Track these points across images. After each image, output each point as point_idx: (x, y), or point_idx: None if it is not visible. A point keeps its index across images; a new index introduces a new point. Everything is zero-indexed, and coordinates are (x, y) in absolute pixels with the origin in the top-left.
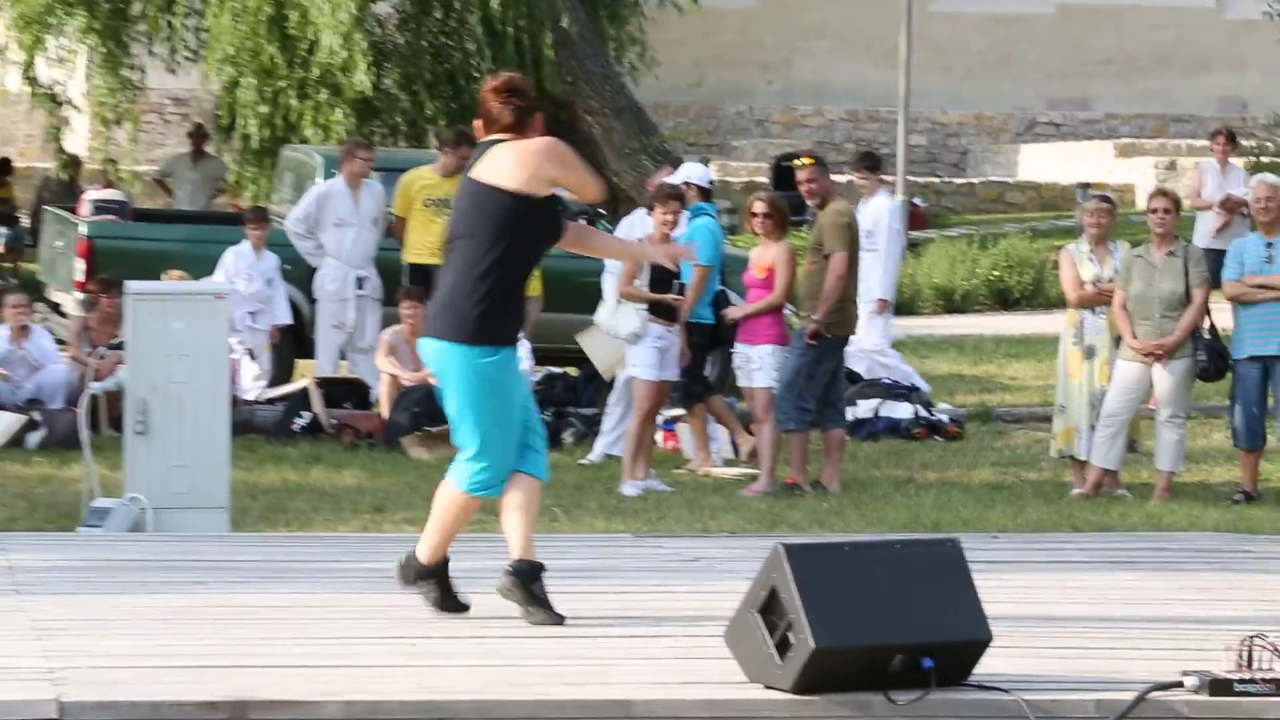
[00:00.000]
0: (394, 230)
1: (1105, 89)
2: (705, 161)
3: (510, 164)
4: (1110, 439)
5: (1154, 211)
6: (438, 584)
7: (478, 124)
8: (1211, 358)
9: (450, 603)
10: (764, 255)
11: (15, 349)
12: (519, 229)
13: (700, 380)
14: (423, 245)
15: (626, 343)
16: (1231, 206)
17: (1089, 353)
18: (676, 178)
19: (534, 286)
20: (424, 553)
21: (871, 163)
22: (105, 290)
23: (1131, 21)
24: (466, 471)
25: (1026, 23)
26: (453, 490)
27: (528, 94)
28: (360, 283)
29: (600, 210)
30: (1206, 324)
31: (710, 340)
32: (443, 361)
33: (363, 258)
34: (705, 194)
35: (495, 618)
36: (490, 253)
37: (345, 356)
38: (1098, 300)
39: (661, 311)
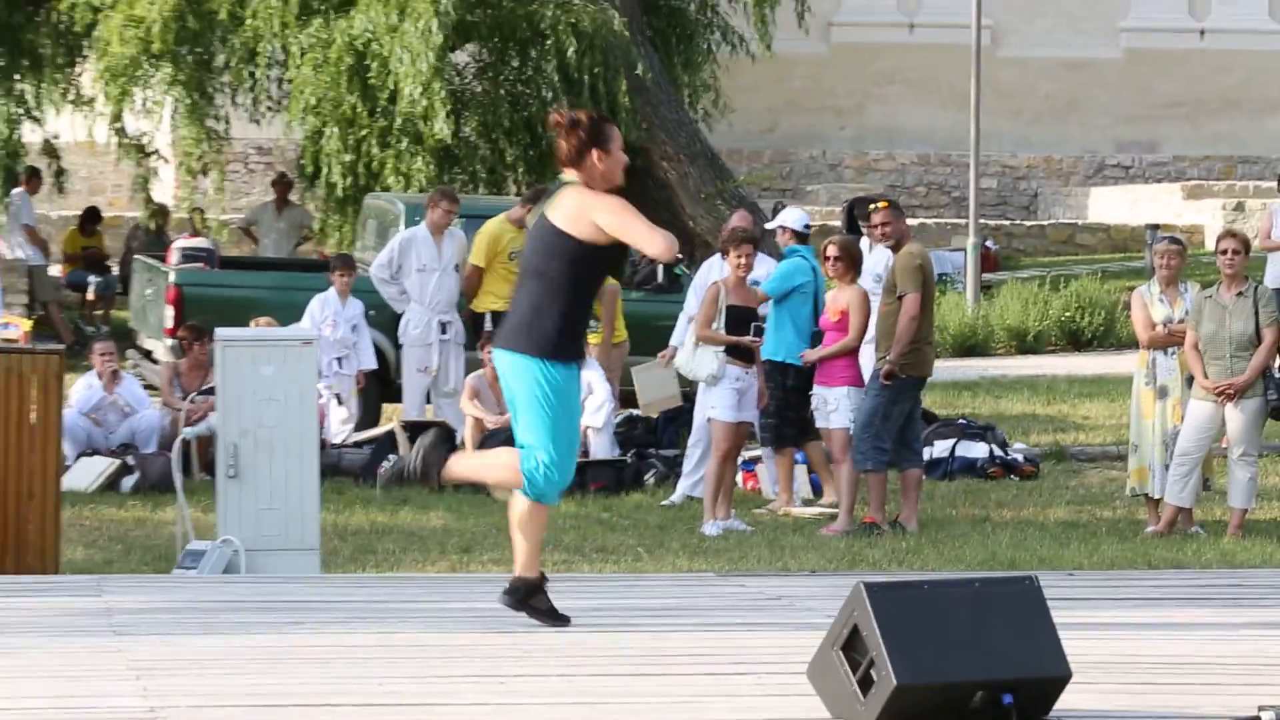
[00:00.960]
0: (465, 278)
1: (1173, 131)
2: (780, 206)
3: (574, 213)
4: (1184, 477)
5: (1223, 253)
6: (544, 596)
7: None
8: None
9: (556, 614)
10: (838, 298)
11: (107, 396)
12: (584, 267)
13: (792, 423)
14: (504, 295)
15: (705, 384)
16: None
17: (1161, 393)
18: (774, 223)
19: (619, 332)
20: (524, 569)
21: (863, 211)
22: (195, 337)
23: (1198, 65)
24: (538, 477)
25: (1094, 67)
26: (526, 502)
27: (584, 129)
28: (444, 327)
29: (679, 256)
30: (1277, 363)
31: (807, 382)
32: (517, 371)
33: (446, 303)
34: (801, 238)
35: (582, 656)
36: (563, 286)
37: (430, 400)
38: (1169, 341)
39: (739, 353)
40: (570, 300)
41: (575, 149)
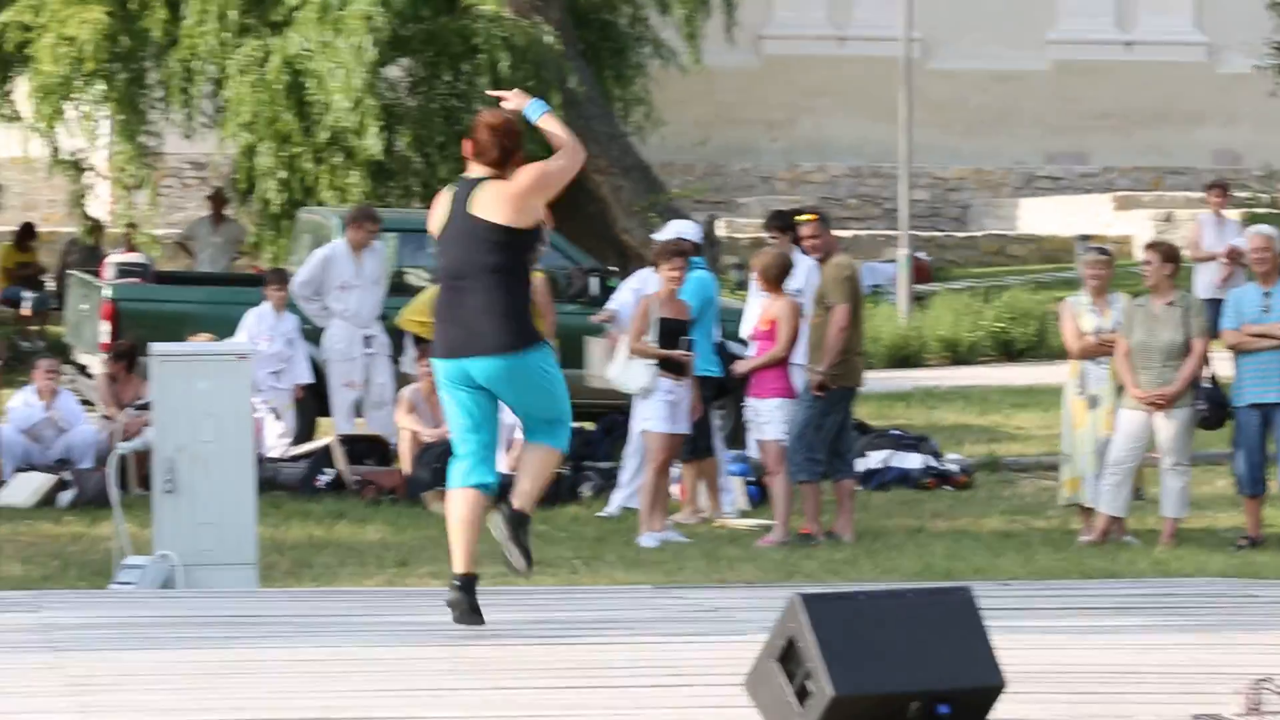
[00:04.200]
0: None
1: (1102, 143)
2: (711, 219)
3: (505, 203)
4: (1116, 486)
5: (1146, 264)
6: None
7: (467, 146)
8: (1212, 407)
9: (529, 553)
10: (768, 309)
11: (46, 414)
12: (523, 253)
13: (704, 435)
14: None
15: (638, 397)
16: (1235, 257)
17: (1093, 402)
18: (667, 234)
19: (541, 327)
20: (523, 501)
21: (782, 222)
22: (121, 354)
23: (1126, 77)
24: (563, 432)
25: (1023, 79)
26: (555, 453)
27: (517, 136)
28: (368, 341)
29: (611, 268)
30: (1208, 373)
31: (716, 393)
32: (501, 372)
33: (368, 316)
34: (695, 249)
35: (519, 669)
36: (516, 275)
37: (361, 413)
38: (1100, 351)
39: (670, 366)
40: (524, 288)
41: (508, 150)
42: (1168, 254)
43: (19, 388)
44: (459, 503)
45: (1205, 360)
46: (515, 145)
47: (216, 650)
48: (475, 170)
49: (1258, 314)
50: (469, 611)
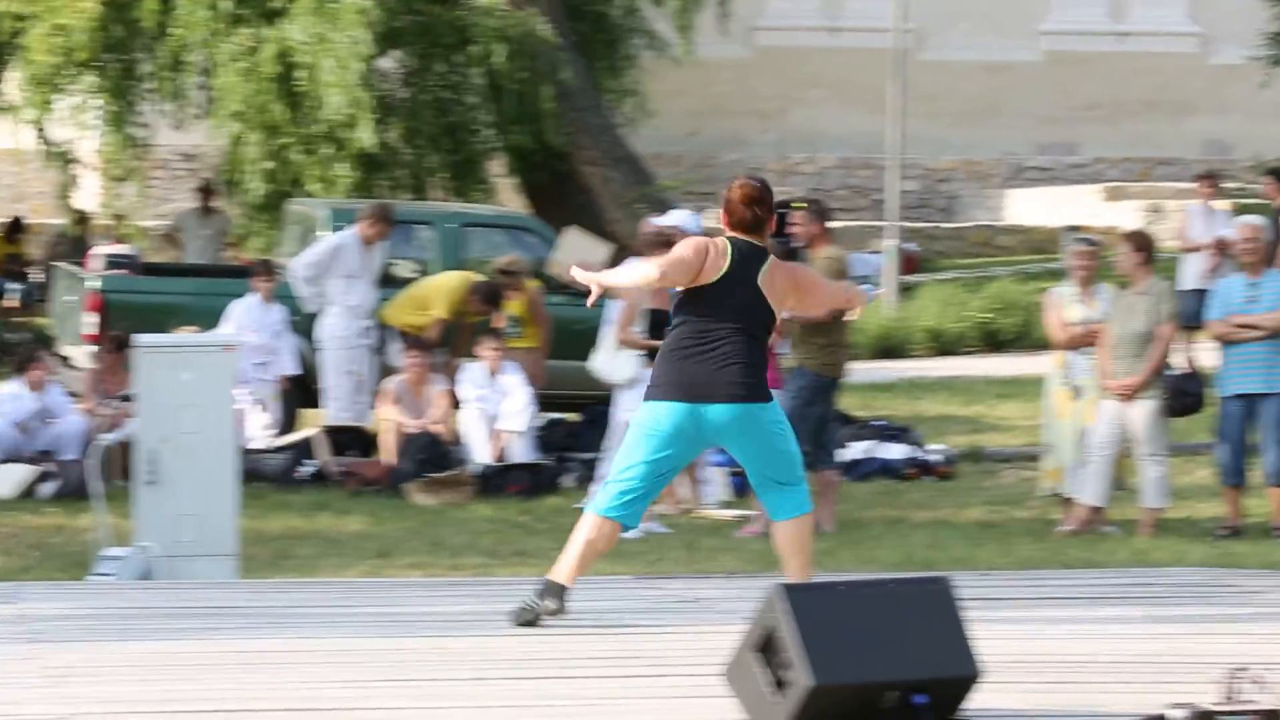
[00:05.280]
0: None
1: (1092, 134)
2: (700, 211)
3: (781, 290)
4: (1096, 476)
5: (1120, 254)
6: None
7: (736, 216)
8: (1175, 395)
9: None
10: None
11: (36, 406)
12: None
13: None
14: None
15: (623, 387)
16: (1223, 247)
17: (1077, 393)
18: (665, 222)
19: (535, 336)
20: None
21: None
22: (115, 344)
23: (1118, 67)
24: (802, 491)
25: (1014, 70)
26: (806, 518)
27: (768, 203)
28: (365, 332)
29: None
30: (1184, 361)
31: None
32: (764, 418)
33: (369, 310)
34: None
35: (498, 659)
36: (761, 345)
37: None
38: (1085, 341)
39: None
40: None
41: (755, 220)
42: (1138, 243)
43: (2, 379)
44: (598, 528)
45: (1171, 347)
46: (768, 212)
47: (196, 641)
48: (743, 235)
49: (1243, 305)
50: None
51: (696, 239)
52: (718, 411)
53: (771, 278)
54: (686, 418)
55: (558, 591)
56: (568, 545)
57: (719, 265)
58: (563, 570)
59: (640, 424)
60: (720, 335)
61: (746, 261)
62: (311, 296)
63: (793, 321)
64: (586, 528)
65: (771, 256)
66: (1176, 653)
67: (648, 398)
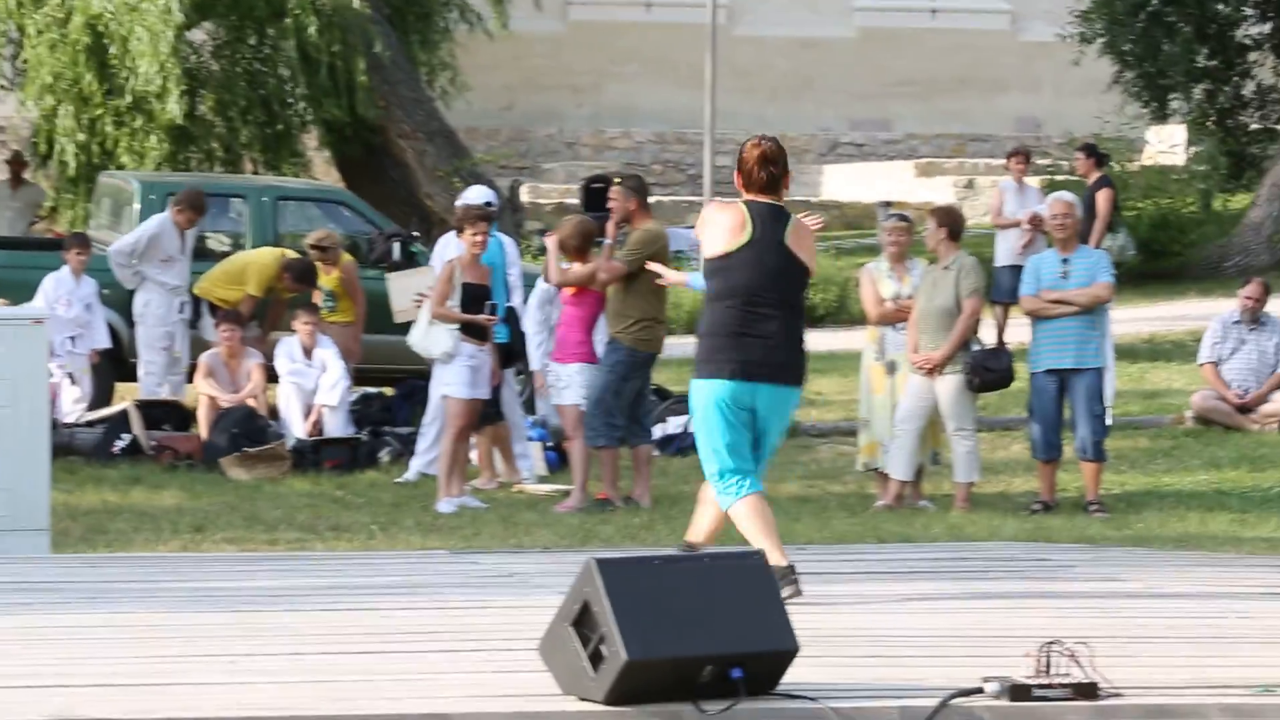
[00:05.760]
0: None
1: (906, 110)
2: (516, 185)
3: (806, 245)
4: (903, 450)
5: (926, 230)
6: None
7: (750, 177)
8: (978, 370)
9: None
10: (566, 275)
11: None
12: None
13: (494, 401)
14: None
15: (439, 362)
16: (1036, 223)
17: (890, 368)
18: (467, 200)
19: (350, 311)
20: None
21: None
22: None
23: (930, 44)
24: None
25: (828, 46)
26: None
27: (783, 161)
28: (181, 307)
29: (415, 234)
30: (992, 336)
31: (504, 360)
32: (789, 404)
33: (184, 287)
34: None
35: (314, 635)
36: (801, 315)
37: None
38: (898, 317)
39: (473, 331)
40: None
41: (770, 180)
42: (943, 219)
43: None
44: (757, 508)
45: (993, 324)
46: (783, 171)
47: (8, 617)
48: (761, 196)
49: (1056, 280)
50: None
51: (719, 206)
52: (771, 394)
53: (798, 235)
54: (746, 392)
55: (785, 573)
56: (755, 538)
57: (742, 231)
58: (773, 555)
59: (702, 408)
60: (761, 309)
61: (768, 224)
62: (128, 278)
63: (614, 299)
64: (752, 511)
65: (793, 215)
66: (990, 627)
67: (699, 376)
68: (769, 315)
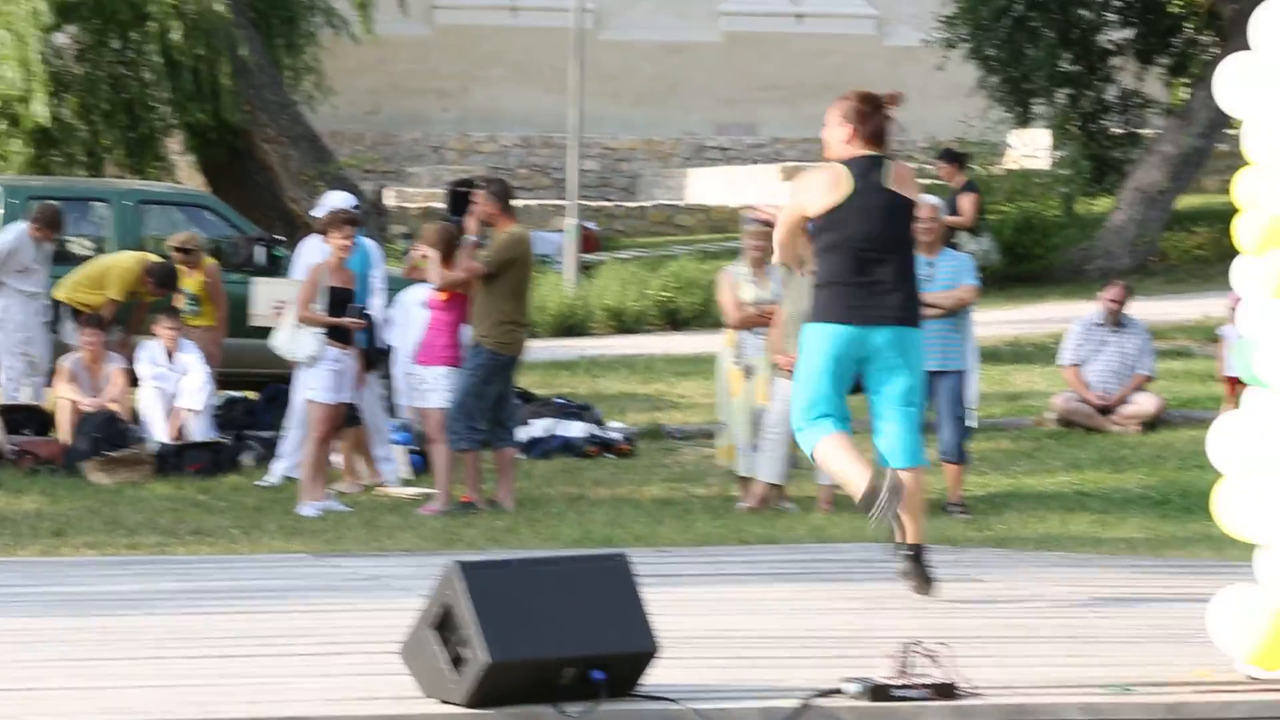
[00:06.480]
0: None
1: (771, 114)
2: (380, 189)
3: (915, 185)
4: (772, 454)
5: None
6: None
7: (853, 129)
8: None
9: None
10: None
11: None
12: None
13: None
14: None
15: (304, 365)
16: None
17: (748, 372)
18: (322, 208)
19: (213, 315)
20: (914, 536)
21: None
22: None
23: (796, 48)
24: (920, 432)
25: (694, 51)
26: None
27: (882, 106)
28: (41, 310)
29: (278, 237)
30: None
31: (365, 363)
32: (918, 344)
33: (44, 293)
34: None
35: (174, 639)
36: (911, 253)
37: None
38: (758, 321)
39: (338, 335)
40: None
41: (885, 124)
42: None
43: None
44: (842, 442)
45: None
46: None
47: None
48: (861, 149)
49: (920, 283)
50: (924, 581)
51: (814, 169)
52: (887, 334)
53: (899, 176)
54: (859, 336)
55: (870, 496)
56: (846, 469)
57: (839, 186)
58: (864, 481)
59: (811, 349)
60: (872, 254)
61: (868, 174)
62: None
63: (479, 302)
64: (837, 446)
65: (890, 160)
66: (851, 628)
67: (815, 320)
68: (882, 260)
